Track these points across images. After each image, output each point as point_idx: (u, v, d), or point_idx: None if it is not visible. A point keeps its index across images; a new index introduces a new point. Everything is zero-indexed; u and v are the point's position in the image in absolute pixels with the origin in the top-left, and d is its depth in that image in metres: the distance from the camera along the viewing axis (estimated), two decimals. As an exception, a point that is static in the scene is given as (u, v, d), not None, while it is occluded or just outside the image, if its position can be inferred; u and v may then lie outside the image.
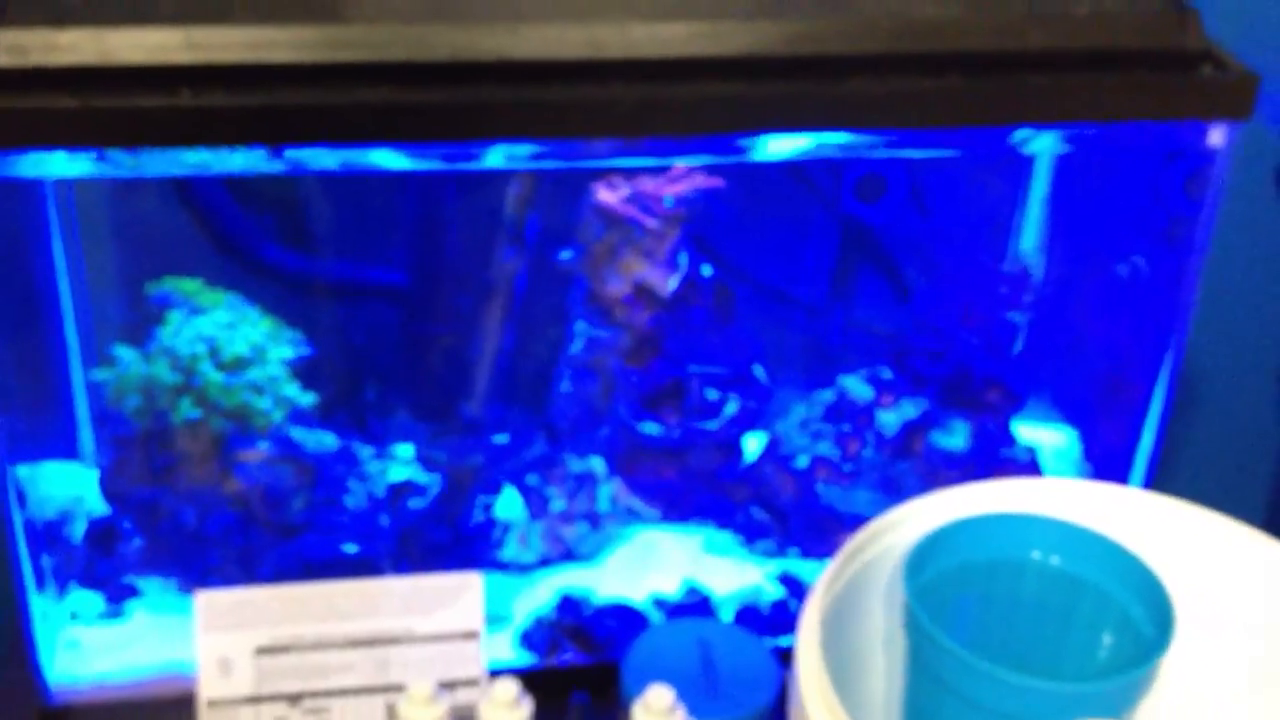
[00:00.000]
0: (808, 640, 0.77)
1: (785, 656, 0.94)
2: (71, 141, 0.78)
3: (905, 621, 0.81)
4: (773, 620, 1.07)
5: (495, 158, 0.87)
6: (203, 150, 0.81)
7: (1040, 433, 1.22)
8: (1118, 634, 0.84)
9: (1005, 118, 0.89)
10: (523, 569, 1.09)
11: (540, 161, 0.89)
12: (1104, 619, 0.84)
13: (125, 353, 0.98)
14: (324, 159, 0.85)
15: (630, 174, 1.04)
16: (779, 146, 0.89)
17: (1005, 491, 0.89)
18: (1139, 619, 0.82)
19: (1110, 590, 0.84)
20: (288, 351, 1.01)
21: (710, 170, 1.03)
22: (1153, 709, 0.80)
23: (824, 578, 0.80)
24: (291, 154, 0.83)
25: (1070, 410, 1.24)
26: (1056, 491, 0.89)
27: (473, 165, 0.88)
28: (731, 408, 1.13)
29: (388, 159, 0.85)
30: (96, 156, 0.81)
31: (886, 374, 1.13)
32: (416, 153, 0.85)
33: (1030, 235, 1.19)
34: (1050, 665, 0.86)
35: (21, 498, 0.93)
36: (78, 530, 1.06)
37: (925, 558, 0.82)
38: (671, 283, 1.07)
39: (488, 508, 1.08)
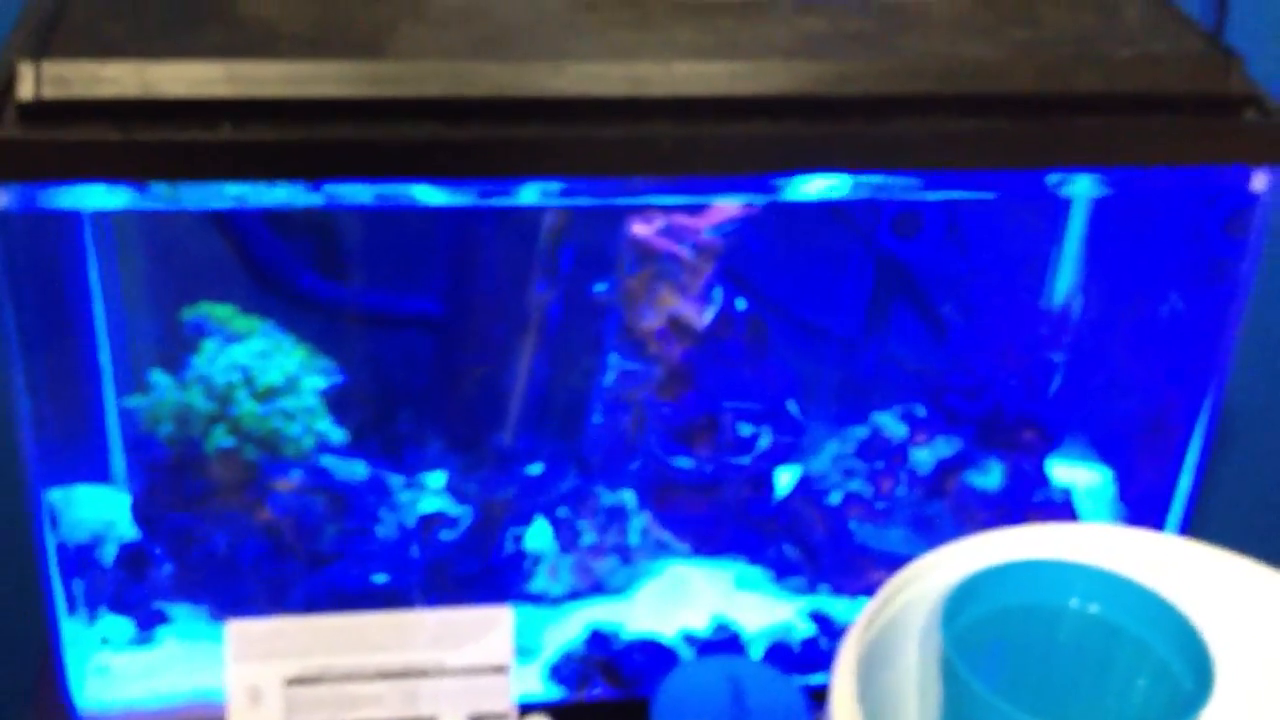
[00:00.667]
0: (843, 685, 0.76)
1: (816, 695, 0.94)
2: (113, 174, 0.79)
3: (941, 668, 0.80)
4: (803, 658, 1.06)
5: (530, 194, 0.87)
6: (243, 184, 0.81)
7: (1076, 472, 1.21)
8: (1155, 684, 0.83)
9: (1047, 160, 0.89)
10: (552, 601, 1.08)
11: (576, 198, 0.89)
12: (1142, 669, 0.83)
13: (160, 379, 0.99)
14: (361, 193, 0.85)
15: (667, 210, 1.03)
16: (818, 186, 0.88)
17: (1042, 536, 0.88)
18: (1178, 670, 0.81)
19: (1149, 640, 0.83)
20: (321, 381, 1.01)
21: (751, 207, 1.02)
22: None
23: (861, 620, 0.80)
24: (329, 188, 0.83)
25: (1106, 451, 1.23)
26: (1094, 537, 0.88)
27: (508, 201, 0.88)
28: (764, 442, 1.12)
29: (424, 193, 0.85)
30: (136, 189, 0.81)
31: (921, 411, 1.12)
32: (452, 188, 0.85)
33: (1067, 274, 1.19)
34: (1085, 715, 0.85)
35: (54, 521, 0.93)
36: (109, 555, 1.06)
37: (962, 603, 0.81)
38: (706, 316, 1.07)
39: (518, 539, 1.07)
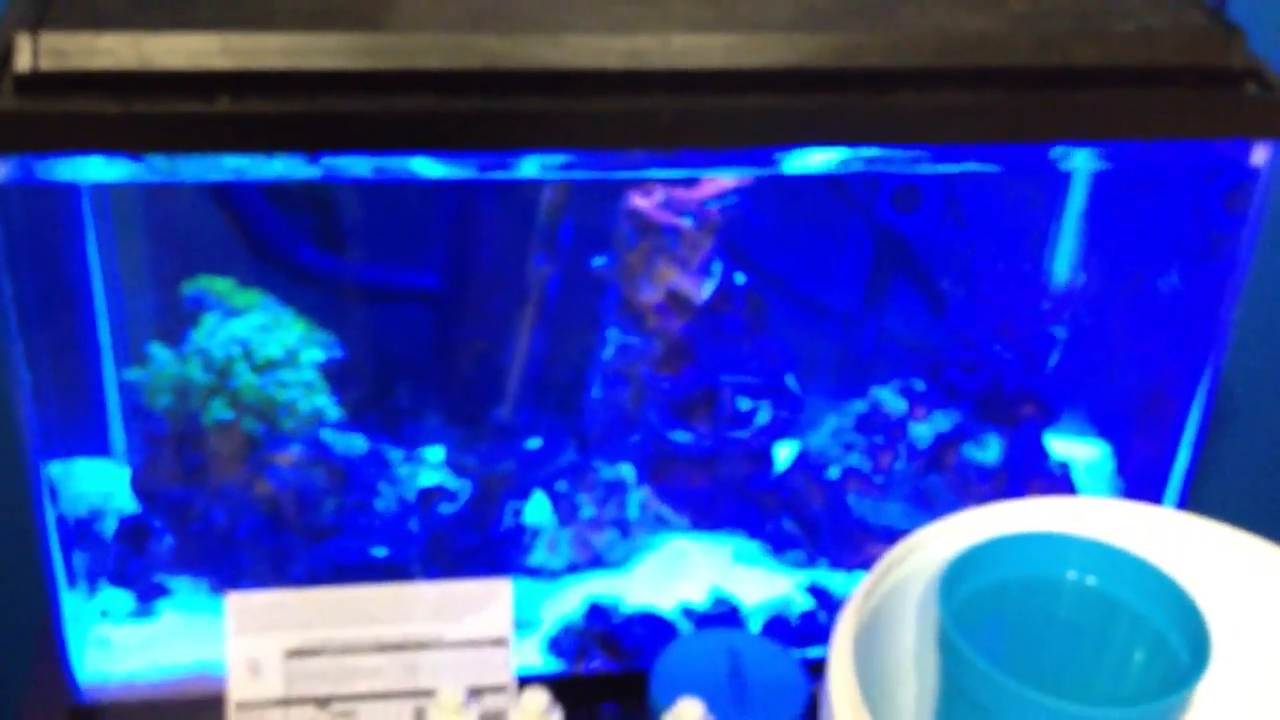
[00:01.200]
0: (841, 657, 0.76)
1: (814, 668, 0.94)
2: (110, 146, 0.78)
3: (939, 640, 0.80)
4: (801, 631, 1.06)
5: (530, 167, 0.87)
6: (241, 156, 0.81)
7: (1074, 447, 1.21)
8: (1152, 657, 0.83)
9: (1047, 134, 0.88)
10: (551, 575, 1.08)
11: (575, 171, 0.89)
12: (1138, 641, 0.84)
13: (159, 352, 0.99)
14: (359, 166, 0.84)
15: (666, 183, 1.03)
16: (817, 159, 0.88)
17: (1039, 510, 0.88)
18: (1175, 643, 0.81)
19: (1146, 613, 0.83)
20: (320, 354, 1.01)
21: (750, 181, 1.02)
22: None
23: (858, 593, 0.80)
24: (327, 160, 0.83)
25: (1104, 425, 1.23)
26: (1091, 510, 0.89)
27: (507, 174, 0.88)
28: (763, 417, 1.12)
29: (423, 166, 0.85)
30: (134, 161, 0.81)
31: (920, 386, 1.12)
32: (452, 161, 0.85)
33: (1066, 249, 1.18)
34: (1082, 687, 0.86)
35: (53, 494, 0.93)
36: (108, 528, 1.06)
37: (959, 576, 0.81)
38: (705, 290, 1.07)
39: (517, 513, 1.07)
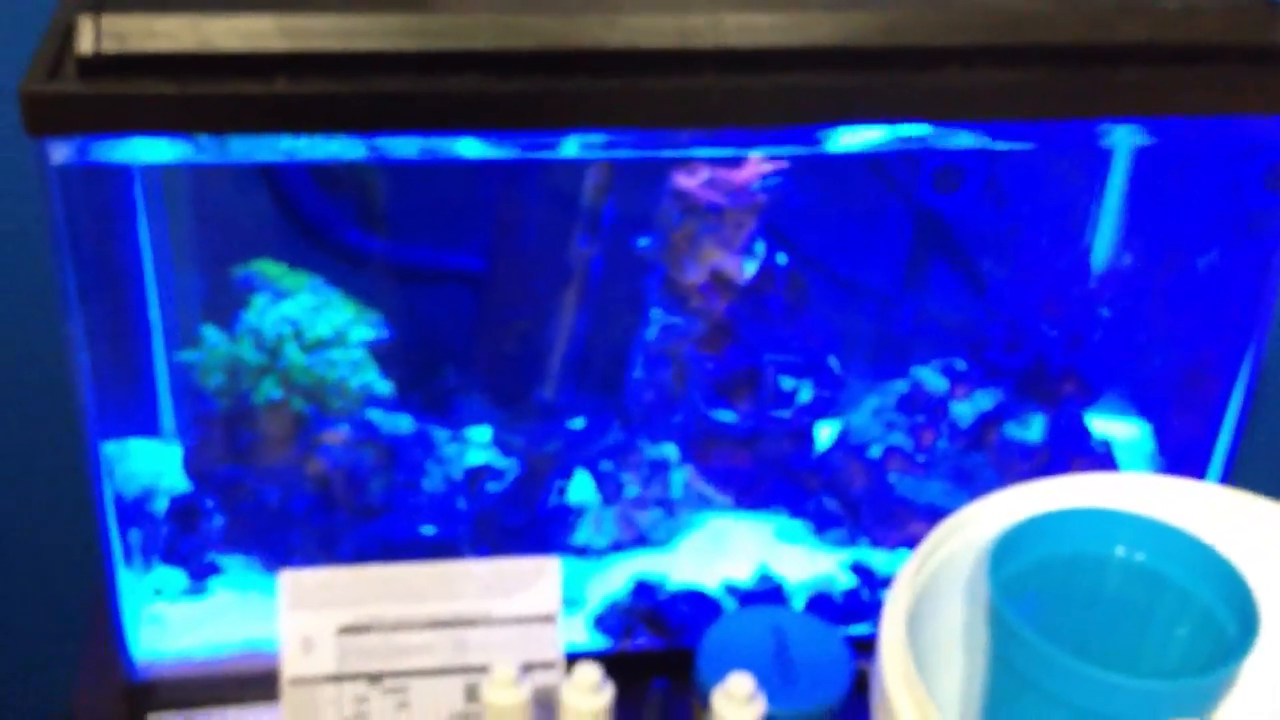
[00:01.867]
0: (893, 632, 0.77)
1: (858, 645, 0.95)
2: (170, 127, 0.79)
3: (988, 615, 0.81)
4: (845, 609, 1.07)
5: (573, 147, 0.88)
6: (295, 137, 0.81)
7: (1114, 426, 1.21)
8: (1198, 632, 0.83)
9: (1092, 111, 0.89)
10: (596, 553, 1.09)
11: (620, 151, 0.89)
12: (1184, 616, 0.84)
13: (210, 333, 1.00)
14: (406, 147, 0.85)
15: (710, 161, 1.04)
16: (864, 137, 0.89)
17: (1085, 486, 0.89)
18: (1222, 617, 0.81)
19: (1192, 587, 0.83)
20: (369, 333, 1.01)
21: (792, 161, 1.02)
22: (1233, 708, 0.80)
23: (908, 569, 0.81)
24: (376, 141, 0.84)
25: (1145, 404, 1.23)
26: (1137, 486, 0.89)
27: (550, 154, 0.88)
28: (805, 396, 1.13)
29: (468, 147, 0.86)
30: (188, 142, 0.82)
31: (961, 365, 1.13)
32: (500, 141, 0.86)
33: (1107, 228, 1.18)
34: (1127, 662, 0.86)
35: (109, 473, 0.94)
36: (161, 507, 1.07)
37: (1008, 551, 0.82)
38: (748, 270, 1.07)
39: (561, 492, 1.08)
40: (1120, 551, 0.85)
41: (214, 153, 0.83)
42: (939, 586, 0.85)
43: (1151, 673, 0.84)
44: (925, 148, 0.89)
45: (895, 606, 0.79)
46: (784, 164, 1.04)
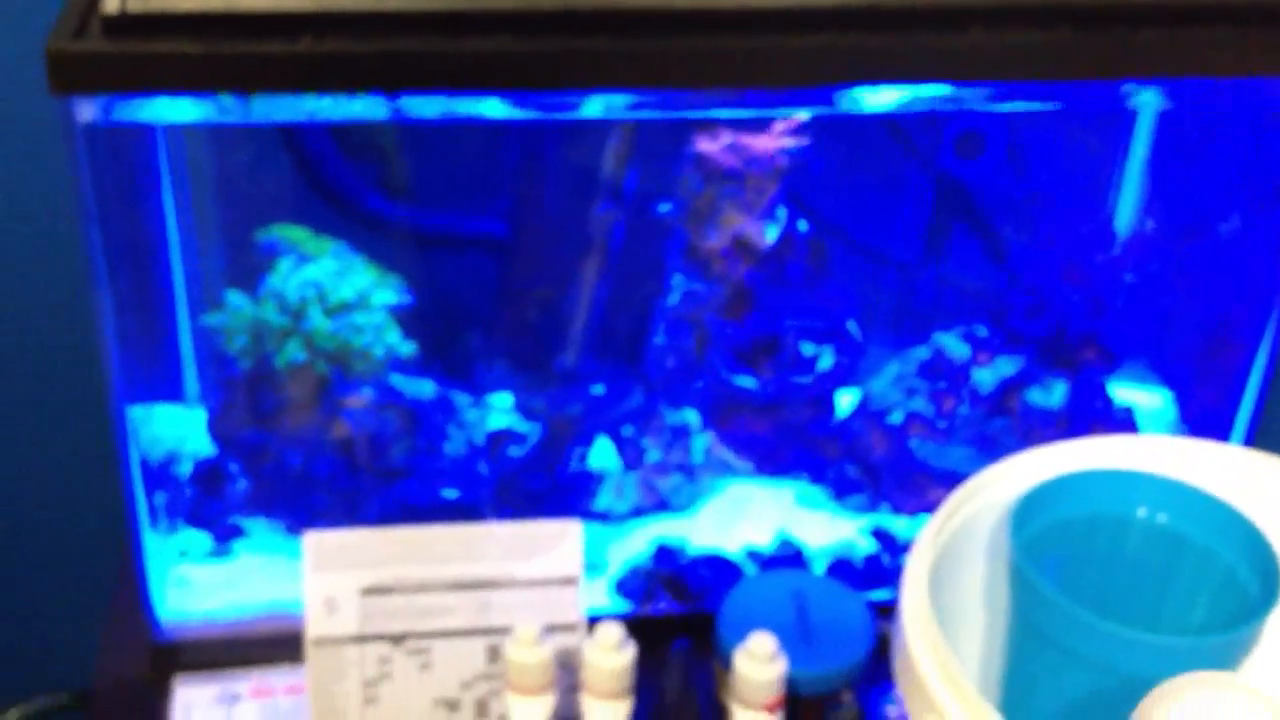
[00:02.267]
0: (915, 594, 0.77)
1: (879, 610, 0.95)
2: (193, 86, 0.80)
3: (1010, 575, 0.81)
4: (866, 574, 1.07)
5: (594, 107, 0.88)
6: (322, 96, 0.82)
7: (1135, 394, 1.21)
8: (1220, 592, 0.83)
9: (1117, 71, 0.88)
10: (618, 518, 1.10)
11: (641, 112, 0.89)
12: (1206, 577, 0.84)
13: (234, 297, 1.01)
14: (427, 107, 0.85)
15: (732, 126, 1.04)
16: (886, 98, 0.88)
17: (1107, 448, 0.89)
18: (1244, 577, 0.81)
19: (1215, 548, 0.83)
20: (391, 296, 1.02)
21: (815, 123, 1.02)
22: (1253, 667, 0.80)
23: (929, 530, 0.81)
24: (399, 102, 0.84)
25: (1167, 372, 1.23)
26: (1158, 449, 0.89)
27: (572, 115, 0.88)
28: (825, 362, 1.13)
29: (489, 107, 0.86)
30: (215, 103, 0.82)
31: (983, 332, 1.13)
32: (524, 102, 0.86)
33: (1130, 193, 1.18)
34: (1148, 622, 0.86)
35: (134, 438, 0.94)
36: (185, 470, 1.08)
37: (1030, 511, 0.82)
38: (770, 236, 1.07)
39: (584, 457, 1.09)
40: (1142, 512, 0.85)
41: (238, 113, 0.83)
42: (960, 547, 0.85)
43: (1174, 632, 0.85)
44: (948, 110, 0.89)
45: (917, 567, 0.79)
46: (805, 136, 1.03)
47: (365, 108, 0.83)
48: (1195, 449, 0.89)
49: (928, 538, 0.81)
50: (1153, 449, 0.89)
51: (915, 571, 0.79)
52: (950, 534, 0.83)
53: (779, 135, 1.03)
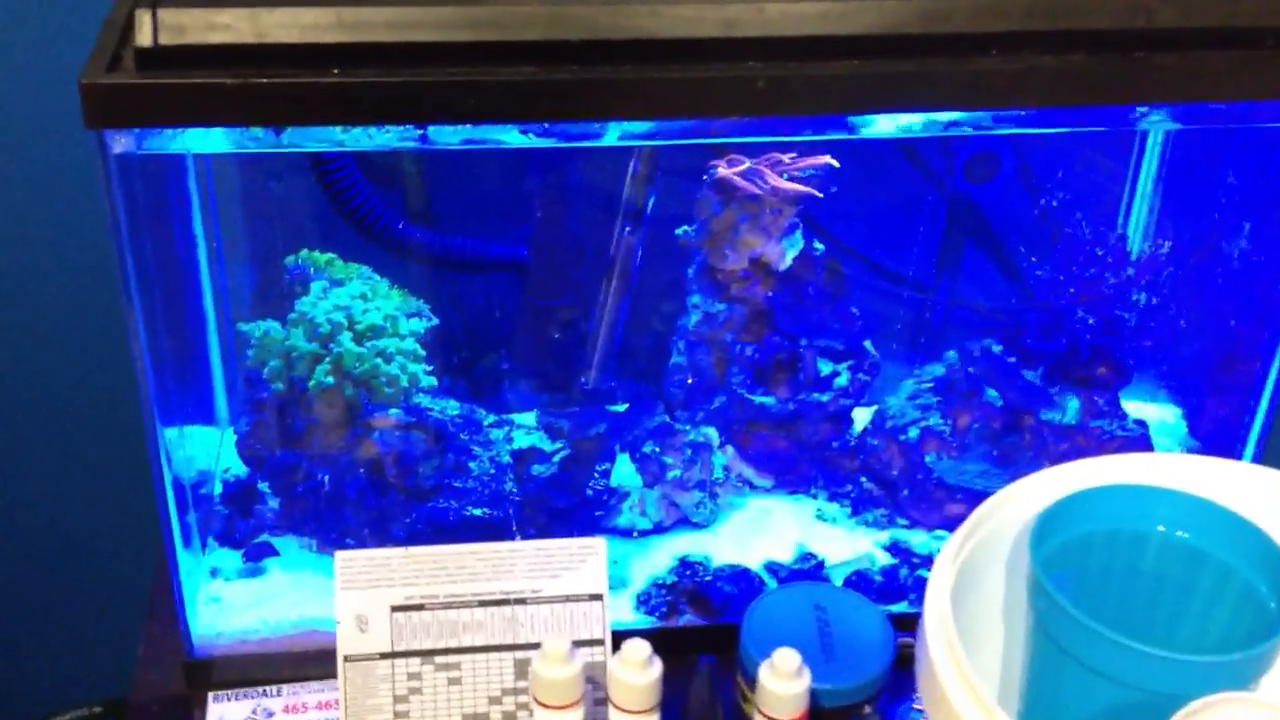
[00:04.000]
0: (937, 606, 0.78)
1: (898, 623, 0.96)
2: (225, 118, 0.81)
3: (1030, 591, 0.82)
4: (884, 588, 1.08)
5: (617, 134, 0.89)
6: (350, 127, 0.83)
7: (1145, 409, 1.22)
8: (1240, 609, 0.84)
9: (1130, 96, 0.89)
10: (639, 535, 1.11)
11: (663, 139, 0.90)
12: (1225, 592, 0.85)
13: (266, 323, 1.02)
14: (451, 136, 0.87)
15: (750, 150, 1.05)
16: (902, 121, 0.90)
17: (1125, 465, 0.89)
18: (1264, 593, 0.82)
19: (1234, 564, 0.84)
20: (419, 326, 1.03)
21: (832, 147, 1.04)
22: (1272, 684, 0.81)
23: (951, 546, 0.82)
24: (425, 131, 0.85)
25: (1176, 388, 1.24)
26: (1175, 465, 0.90)
27: (592, 142, 0.90)
28: (842, 380, 1.14)
29: (511, 136, 0.87)
30: (246, 134, 0.84)
31: (996, 349, 1.13)
32: (550, 131, 0.87)
33: (1139, 213, 1.19)
34: (1165, 637, 0.86)
35: (168, 459, 0.96)
36: (217, 490, 1.09)
37: (1050, 527, 0.83)
38: (788, 258, 1.08)
39: (606, 475, 1.10)
40: (1161, 529, 0.85)
41: (265, 142, 0.84)
42: (980, 562, 0.85)
43: (1191, 648, 0.84)
44: (962, 133, 0.90)
45: (940, 583, 0.80)
46: (828, 160, 1.05)
47: (392, 137, 0.85)
48: (1212, 466, 0.90)
49: (950, 554, 0.82)
50: (1170, 466, 0.89)
51: (938, 588, 0.80)
52: (973, 548, 0.84)
53: (798, 160, 1.04)
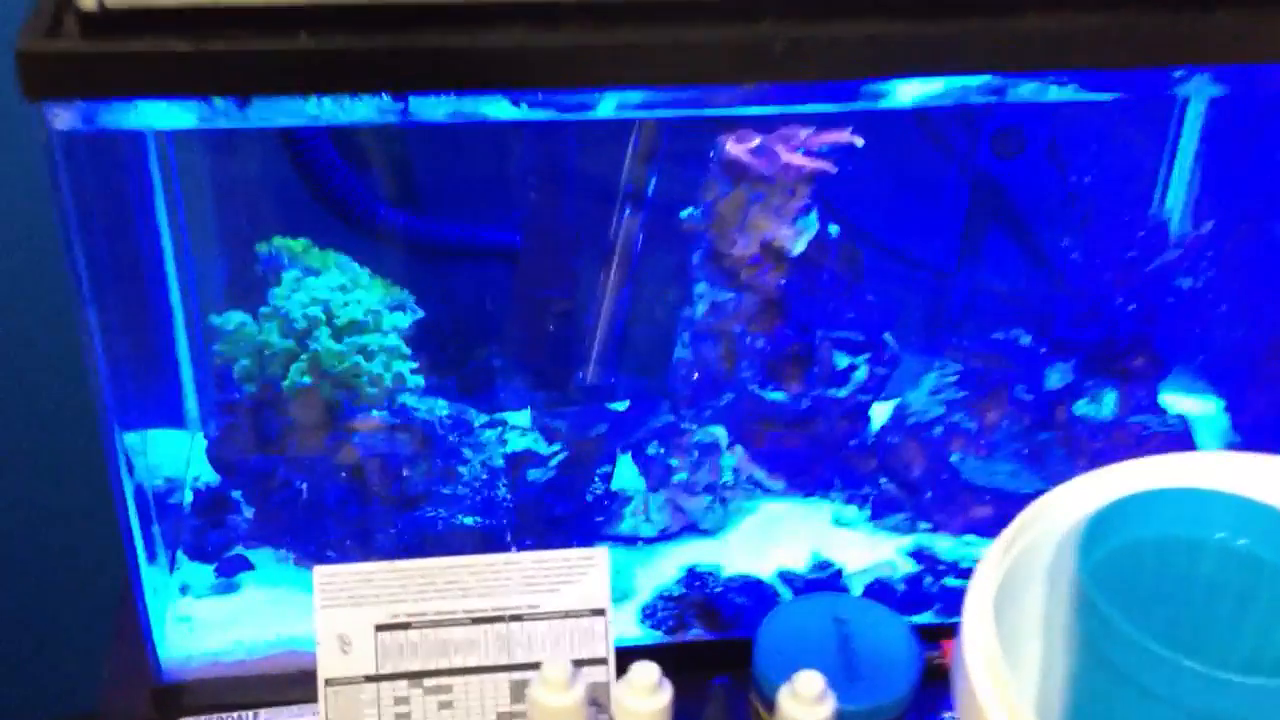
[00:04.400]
0: (978, 623, 0.73)
1: (924, 635, 0.91)
2: (182, 89, 0.75)
3: (1077, 602, 0.76)
4: (907, 598, 1.04)
5: (613, 104, 0.83)
6: (321, 98, 0.78)
7: (1184, 402, 1.17)
8: (1305, 619, 0.79)
9: (1175, 57, 0.84)
10: (645, 542, 1.07)
11: (664, 110, 0.86)
12: (1287, 602, 0.79)
13: (236, 316, 0.98)
14: (435, 109, 0.81)
15: (759, 126, 1.00)
16: (929, 89, 0.84)
17: (1175, 465, 0.84)
18: (1333, 604, 0.76)
19: (1299, 572, 0.78)
20: (403, 320, 0.99)
21: (848, 120, 0.99)
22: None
23: (993, 555, 0.77)
24: (405, 103, 0.80)
25: (1217, 379, 1.19)
26: (1231, 465, 0.84)
27: (587, 114, 0.84)
28: (860, 374, 1.09)
29: (500, 109, 0.82)
30: (206, 106, 0.78)
31: (1026, 340, 1.09)
32: (535, 100, 0.82)
33: (1178, 190, 1.14)
34: (1223, 650, 0.81)
35: (130, 466, 0.91)
36: (186, 500, 1.06)
37: (1098, 535, 0.77)
38: (801, 242, 1.04)
39: (608, 479, 1.06)
40: (1220, 535, 0.80)
41: (232, 117, 0.79)
42: (1020, 572, 0.81)
43: (1249, 663, 0.80)
44: (986, 102, 0.86)
45: (980, 594, 0.75)
46: (847, 136, 1.00)
47: (370, 109, 0.79)
48: (1269, 465, 0.84)
49: (992, 562, 0.77)
50: (1224, 465, 0.84)
51: (978, 599, 0.75)
52: (1014, 556, 0.79)
53: (812, 135, 0.99)
